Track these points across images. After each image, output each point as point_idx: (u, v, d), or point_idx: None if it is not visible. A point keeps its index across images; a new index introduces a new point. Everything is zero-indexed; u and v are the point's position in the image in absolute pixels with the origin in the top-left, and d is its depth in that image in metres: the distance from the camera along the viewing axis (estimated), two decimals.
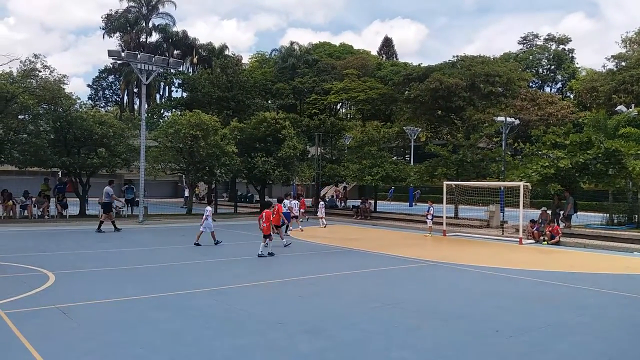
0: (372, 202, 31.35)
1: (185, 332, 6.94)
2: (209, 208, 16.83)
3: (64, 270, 11.27)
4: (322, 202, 26.75)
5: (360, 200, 31.34)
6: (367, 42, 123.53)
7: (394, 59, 78.11)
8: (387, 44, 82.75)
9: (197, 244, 16.06)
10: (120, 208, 26.33)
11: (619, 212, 23.04)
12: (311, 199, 38.59)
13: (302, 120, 40.10)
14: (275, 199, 19.15)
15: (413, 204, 39.93)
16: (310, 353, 6.24)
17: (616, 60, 48.77)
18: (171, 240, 18.23)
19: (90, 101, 59.93)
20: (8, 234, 18.91)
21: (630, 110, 25.52)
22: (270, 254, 14.33)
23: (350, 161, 32.41)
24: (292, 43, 67.29)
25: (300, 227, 22.17)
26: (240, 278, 11.08)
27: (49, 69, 24.46)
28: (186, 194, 39.20)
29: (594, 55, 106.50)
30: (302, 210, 25.46)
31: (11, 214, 23.09)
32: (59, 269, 11.23)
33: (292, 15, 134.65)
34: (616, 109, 27.74)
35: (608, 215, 23.01)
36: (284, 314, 8.06)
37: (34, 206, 23.69)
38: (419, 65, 50.40)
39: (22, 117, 24.42)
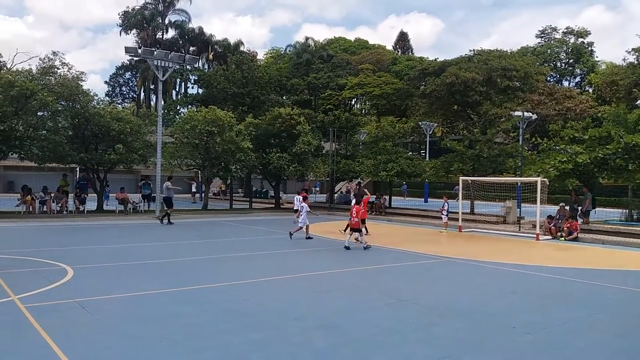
0: (387, 197, 31.25)
1: (202, 326, 7.01)
2: (305, 205, 17.73)
3: (82, 264, 11.42)
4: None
5: (375, 196, 31.26)
6: (383, 36, 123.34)
7: (410, 53, 77.61)
8: (403, 38, 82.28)
9: (290, 234, 17.08)
10: (137, 203, 26.62)
11: (638, 208, 22.68)
12: (325, 195, 38.64)
13: (316, 115, 40.02)
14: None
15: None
16: (326, 348, 6.25)
17: (637, 53, 47.79)
18: (188, 235, 18.37)
19: (107, 98, 60.71)
20: (27, 229, 19.24)
21: None
22: (347, 248, 15.03)
23: (365, 157, 32.33)
24: (306, 39, 67.12)
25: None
26: (256, 273, 11.13)
27: (67, 66, 24.79)
28: (193, 188, 39.54)
29: (614, 48, 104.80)
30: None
31: (30, 209, 23.47)
32: (77, 264, 11.39)
33: (306, 10, 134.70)
34: (637, 102, 27.31)
35: (627, 211, 22.66)
36: (300, 309, 8.09)
37: (53, 202, 24.05)
38: (435, 59, 50.03)
39: (41, 113, 24.74)
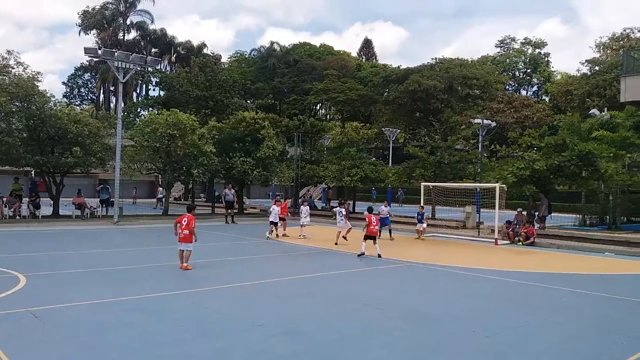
0: (351, 203, 31.38)
1: (162, 334, 6.84)
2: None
3: (35, 272, 11.00)
4: (305, 207, 21.93)
5: (338, 202, 31.25)
6: (348, 43, 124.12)
7: (374, 60, 78.58)
8: (367, 45, 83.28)
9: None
10: (94, 208, 25.87)
11: (591, 213, 23.56)
12: (289, 200, 38.45)
13: (281, 120, 39.88)
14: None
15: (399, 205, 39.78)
16: (288, 355, 6.20)
17: (590, 65, 49.94)
18: (147, 242, 17.97)
19: (65, 99, 58.98)
20: None
21: (603, 113, 26.12)
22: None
23: (329, 162, 32.41)
24: (272, 43, 67.03)
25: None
26: (218, 280, 10.97)
27: (23, 65, 24.03)
28: (159, 194, 38.61)
29: (569, 59, 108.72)
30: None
31: None
32: (30, 271, 10.95)
33: (272, 15, 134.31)
34: (590, 112, 28.39)
35: (581, 216, 23.48)
36: (263, 316, 8.00)
37: (5, 206, 23.09)
38: (399, 67, 50.80)
39: None
